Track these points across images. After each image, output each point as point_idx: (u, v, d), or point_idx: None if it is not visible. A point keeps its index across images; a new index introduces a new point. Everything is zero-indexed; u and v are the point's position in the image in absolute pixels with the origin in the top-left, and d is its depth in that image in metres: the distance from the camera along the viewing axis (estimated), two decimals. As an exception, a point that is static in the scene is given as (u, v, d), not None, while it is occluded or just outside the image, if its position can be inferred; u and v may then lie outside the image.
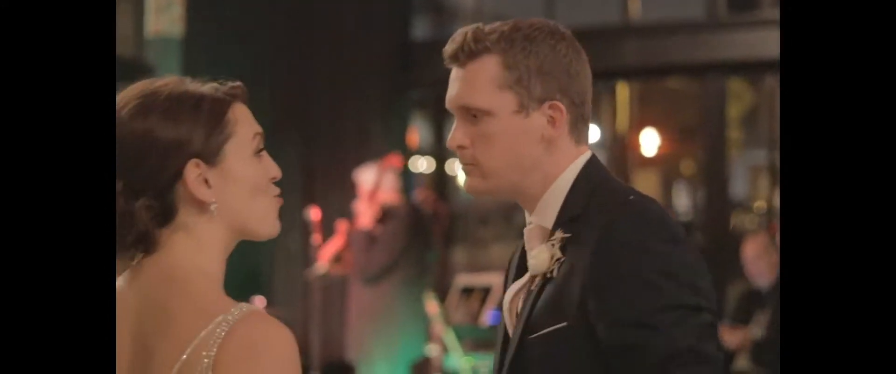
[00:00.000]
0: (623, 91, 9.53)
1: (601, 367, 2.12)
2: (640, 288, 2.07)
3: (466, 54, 2.27)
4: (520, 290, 2.30)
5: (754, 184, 22.53)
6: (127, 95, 1.82)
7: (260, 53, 8.50)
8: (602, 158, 2.42)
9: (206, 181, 1.79)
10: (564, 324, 2.12)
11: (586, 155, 2.30)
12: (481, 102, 2.24)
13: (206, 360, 1.65)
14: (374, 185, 6.98)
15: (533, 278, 2.24)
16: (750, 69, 7.89)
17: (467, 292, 7.12)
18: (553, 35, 2.27)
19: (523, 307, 2.22)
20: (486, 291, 7.05)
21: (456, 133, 2.29)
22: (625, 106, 9.56)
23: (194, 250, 1.79)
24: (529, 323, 2.18)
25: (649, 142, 17.84)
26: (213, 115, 1.81)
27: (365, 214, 7.14)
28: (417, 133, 9.25)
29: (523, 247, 2.33)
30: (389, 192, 7.05)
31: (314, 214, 7.23)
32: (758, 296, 6.67)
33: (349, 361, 7.20)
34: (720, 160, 7.63)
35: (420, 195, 6.94)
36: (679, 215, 16.80)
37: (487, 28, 2.27)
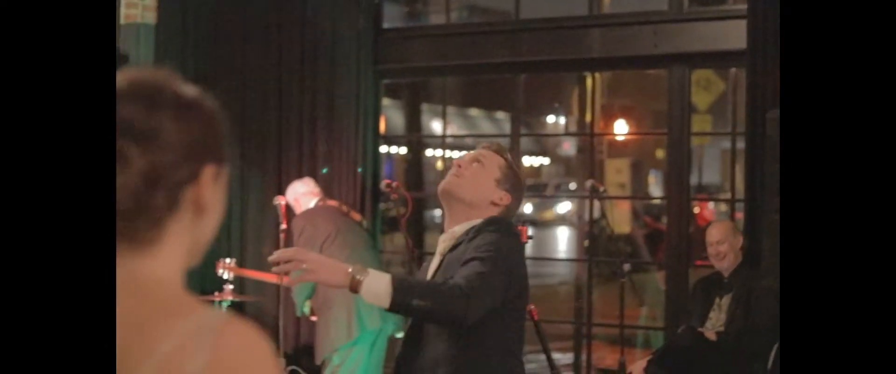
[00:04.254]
0: (592, 81, 9.63)
1: None
2: None
3: None
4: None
5: (724, 171, 22.49)
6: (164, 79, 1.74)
7: (232, 41, 8.56)
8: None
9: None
10: None
11: None
12: None
13: (190, 368, 1.59)
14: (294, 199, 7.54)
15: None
16: (716, 59, 7.99)
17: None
18: None
19: None
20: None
21: None
22: (596, 95, 9.65)
23: (173, 254, 1.72)
24: None
25: (619, 130, 17.94)
26: (224, 127, 1.79)
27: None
28: (385, 121, 9.33)
29: None
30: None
31: (281, 202, 7.43)
32: (719, 281, 6.82)
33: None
34: (684, 149, 7.73)
35: (385, 184, 7.02)
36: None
37: None
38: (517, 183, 3.83)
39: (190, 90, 1.75)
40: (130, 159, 1.66)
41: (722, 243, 6.75)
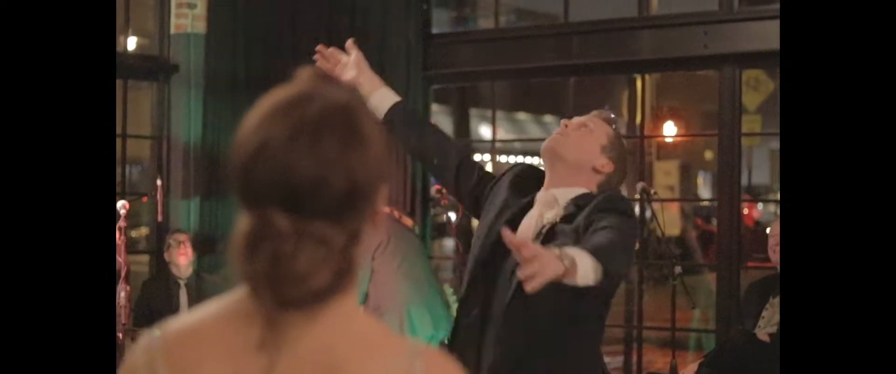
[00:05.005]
0: (641, 83, 9.60)
1: None
2: None
3: None
4: None
5: (773, 172, 22.31)
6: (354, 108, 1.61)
7: (282, 49, 8.59)
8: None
9: None
10: None
11: None
12: None
13: None
14: None
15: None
16: (768, 59, 7.93)
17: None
18: None
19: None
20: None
21: None
22: (645, 97, 9.61)
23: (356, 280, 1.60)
24: None
25: (668, 132, 17.85)
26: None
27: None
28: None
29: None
30: None
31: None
32: (774, 284, 6.78)
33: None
34: (735, 150, 7.68)
35: (436, 190, 7.04)
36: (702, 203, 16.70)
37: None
38: (622, 154, 3.71)
39: (357, 122, 1.57)
40: (329, 239, 1.52)
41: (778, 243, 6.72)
